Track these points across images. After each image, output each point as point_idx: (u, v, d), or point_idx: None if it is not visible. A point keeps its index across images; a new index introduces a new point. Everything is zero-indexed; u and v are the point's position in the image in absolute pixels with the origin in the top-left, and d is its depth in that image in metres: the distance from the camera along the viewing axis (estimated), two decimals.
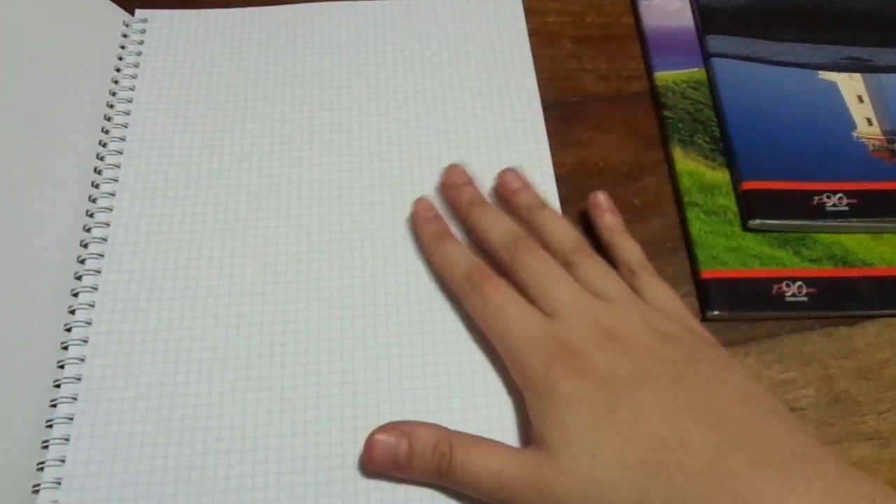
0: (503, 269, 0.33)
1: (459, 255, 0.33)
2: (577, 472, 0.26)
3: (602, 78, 0.43)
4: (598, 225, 0.35)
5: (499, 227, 0.33)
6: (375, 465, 0.29)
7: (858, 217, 0.37)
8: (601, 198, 0.35)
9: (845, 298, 0.35)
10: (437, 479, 0.29)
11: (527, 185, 0.36)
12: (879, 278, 0.36)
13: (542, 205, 0.35)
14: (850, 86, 0.41)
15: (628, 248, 0.34)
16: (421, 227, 0.35)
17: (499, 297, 0.31)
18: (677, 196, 0.39)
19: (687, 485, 0.25)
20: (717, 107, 0.41)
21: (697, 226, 0.37)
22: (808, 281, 0.36)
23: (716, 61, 0.42)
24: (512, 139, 0.40)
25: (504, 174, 0.36)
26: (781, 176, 0.38)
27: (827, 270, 0.36)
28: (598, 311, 0.30)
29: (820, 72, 0.42)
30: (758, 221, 0.37)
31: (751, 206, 0.37)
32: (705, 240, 0.37)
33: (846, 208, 0.37)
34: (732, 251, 0.36)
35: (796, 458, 0.25)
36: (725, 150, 0.40)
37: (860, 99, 0.41)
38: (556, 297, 0.30)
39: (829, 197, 0.37)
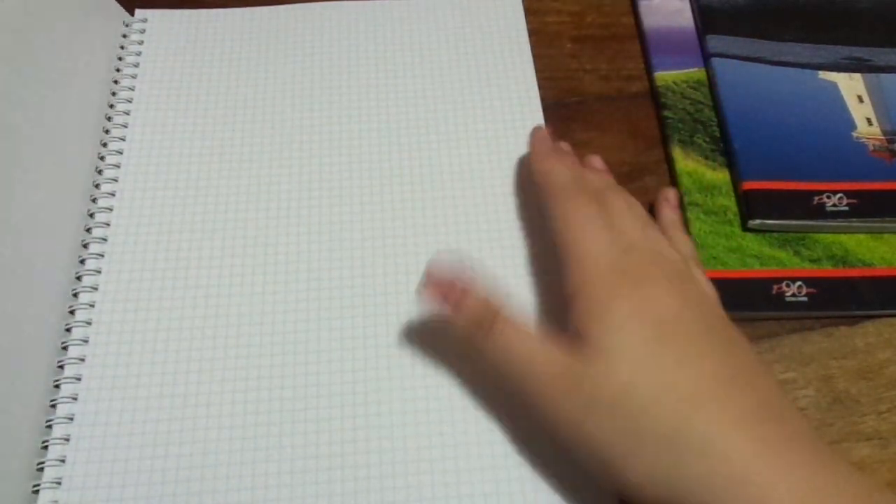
0: None
1: (566, 168, 0.34)
2: (619, 377, 0.27)
3: (602, 78, 0.43)
4: (659, 216, 0.36)
5: (592, 178, 0.35)
6: (433, 287, 0.30)
7: (858, 217, 0.37)
8: (671, 194, 0.37)
9: (845, 298, 0.35)
10: (475, 334, 0.30)
11: (607, 171, 0.38)
12: (879, 278, 0.36)
13: (617, 187, 0.36)
14: (850, 86, 0.41)
15: (683, 241, 0.35)
16: (536, 141, 0.37)
17: (591, 210, 0.32)
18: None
19: (734, 426, 0.25)
20: (716, 107, 0.41)
21: (697, 226, 0.37)
22: (808, 281, 0.36)
23: (716, 61, 0.42)
24: (512, 139, 0.40)
25: (591, 157, 0.38)
26: (781, 176, 0.38)
27: (827, 270, 0.36)
28: (671, 257, 0.31)
29: (820, 72, 0.42)
30: (758, 221, 0.37)
31: (751, 206, 0.37)
32: (705, 240, 0.37)
33: (846, 208, 0.37)
34: (732, 251, 0.36)
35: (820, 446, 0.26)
36: (725, 150, 0.40)
37: (860, 99, 0.41)
38: (631, 234, 0.31)
39: (829, 197, 0.37)
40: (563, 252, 0.32)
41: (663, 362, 0.27)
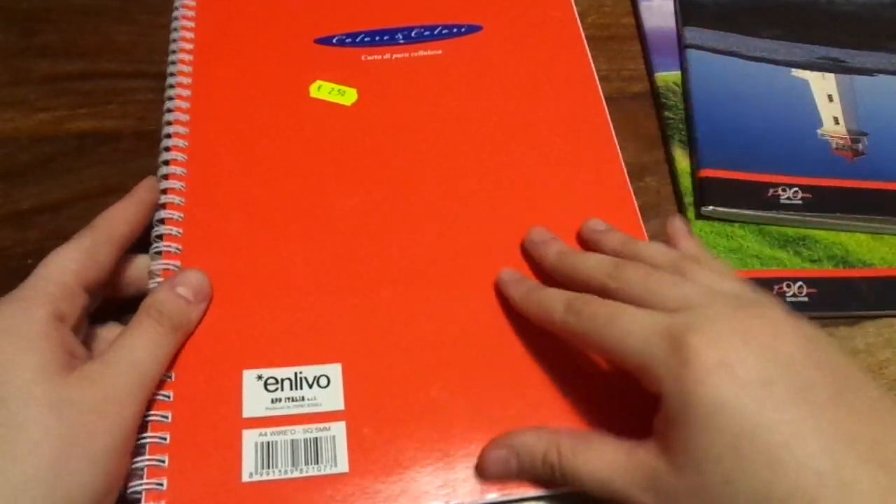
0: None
1: (555, 295, 0.30)
2: (708, 496, 0.24)
3: (602, 78, 0.42)
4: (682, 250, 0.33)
5: (595, 260, 0.31)
6: (490, 478, 0.29)
7: (812, 211, 0.37)
8: (679, 223, 0.34)
9: (845, 298, 0.35)
10: (550, 484, 0.28)
11: (611, 228, 0.34)
12: (879, 278, 0.36)
13: (633, 238, 0.33)
14: (821, 84, 0.42)
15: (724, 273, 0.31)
16: (510, 289, 0.33)
17: (608, 308, 0.28)
18: (678, 196, 0.39)
19: None
20: (685, 96, 0.41)
21: (698, 226, 0.37)
22: (809, 281, 0.36)
23: (691, 52, 0.43)
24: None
25: (587, 221, 0.35)
26: (740, 166, 0.38)
27: (827, 271, 0.36)
28: (735, 303, 0.26)
29: (793, 69, 0.42)
30: (710, 208, 0.37)
31: (705, 193, 0.37)
32: (706, 240, 0.37)
33: (800, 202, 0.37)
34: (733, 251, 0.36)
35: None
36: (689, 139, 0.40)
37: (830, 98, 0.41)
38: (681, 293, 0.27)
39: (784, 190, 0.37)
40: (622, 364, 0.27)
41: (752, 466, 0.23)
